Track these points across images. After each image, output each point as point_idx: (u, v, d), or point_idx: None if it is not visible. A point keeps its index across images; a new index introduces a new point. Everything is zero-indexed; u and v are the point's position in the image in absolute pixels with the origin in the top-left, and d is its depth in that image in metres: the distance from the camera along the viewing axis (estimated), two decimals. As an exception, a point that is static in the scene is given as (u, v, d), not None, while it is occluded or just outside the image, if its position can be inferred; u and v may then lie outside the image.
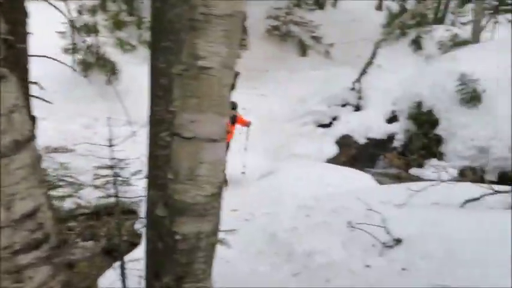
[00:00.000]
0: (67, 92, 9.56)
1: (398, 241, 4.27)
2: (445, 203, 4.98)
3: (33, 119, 2.33)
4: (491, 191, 4.66)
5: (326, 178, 7.88)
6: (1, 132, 1.18)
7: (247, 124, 7.80)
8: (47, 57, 2.74)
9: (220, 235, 3.86)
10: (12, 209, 1.29)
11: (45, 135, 8.56)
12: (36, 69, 3.79)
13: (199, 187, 1.74)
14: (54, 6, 2.89)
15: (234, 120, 7.45)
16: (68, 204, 3.58)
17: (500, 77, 9.09)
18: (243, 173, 7.66)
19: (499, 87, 8.98)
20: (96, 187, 3.12)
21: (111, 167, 2.79)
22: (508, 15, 13.88)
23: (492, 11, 13.26)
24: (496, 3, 13.09)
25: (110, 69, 10.31)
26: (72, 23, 9.79)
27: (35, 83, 2.38)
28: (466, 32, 13.76)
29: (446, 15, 16.20)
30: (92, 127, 9.65)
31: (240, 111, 12.05)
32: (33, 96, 2.30)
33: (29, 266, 1.39)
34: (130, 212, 5.19)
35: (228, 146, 7.03)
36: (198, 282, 1.91)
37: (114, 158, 2.86)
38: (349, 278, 3.78)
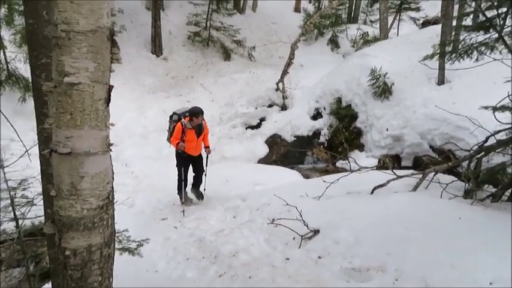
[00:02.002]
0: (-25, 113, 8.86)
1: (315, 232, 4.53)
2: (357, 191, 5.36)
3: None
4: (394, 177, 5.09)
5: (254, 178, 8.07)
6: None
7: (208, 148, 6.85)
8: None
9: (132, 245, 3.86)
10: None
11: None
12: None
13: (83, 201, 1.75)
14: None
15: (200, 129, 6.60)
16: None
17: (406, 69, 9.87)
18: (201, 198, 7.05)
19: (405, 80, 9.74)
20: (-6, 211, 2.97)
21: (8, 189, 2.68)
22: (410, 13, 15.12)
23: (395, 10, 14.38)
24: (398, 2, 14.21)
25: (23, 86, 9.71)
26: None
27: None
28: (376, 30, 14.79)
29: (358, 15, 17.31)
30: (7, 148, 9.02)
31: (167, 119, 12.04)
32: None
33: None
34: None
35: (200, 159, 6.78)
36: (96, 295, 1.92)
37: (12, 180, 2.74)
38: (270, 272, 3.94)
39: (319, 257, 3.98)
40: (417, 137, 8.93)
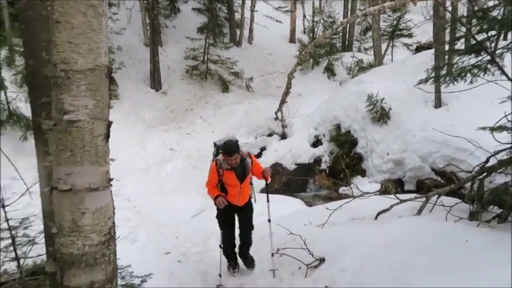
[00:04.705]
0: (-22, 154, 8.93)
1: (321, 260, 4.46)
2: (361, 217, 5.31)
3: None
4: (398, 201, 5.06)
5: (257, 208, 8.00)
6: None
7: (266, 174, 4.88)
8: None
9: (136, 281, 3.79)
10: None
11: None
12: None
13: (85, 237, 1.75)
14: None
15: (245, 170, 4.68)
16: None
17: (402, 94, 9.99)
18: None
19: (403, 104, 9.85)
20: (-5, 252, 2.94)
21: (9, 229, 2.67)
22: (403, 39, 15.45)
23: (388, 37, 14.71)
24: (391, 29, 14.56)
25: (25, 125, 9.83)
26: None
27: None
28: (370, 57, 15.07)
29: (352, 43, 17.68)
30: (10, 187, 9.02)
31: (168, 152, 12.11)
32: None
33: None
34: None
35: (248, 210, 4.98)
36: (98, 333, 1.87)
37: (13, 218, 2.73)
38: (276, 304, 3.86)
39: (326, 287, 3.90)
40: (418, 160, 8.92)
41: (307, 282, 4.11)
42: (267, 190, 5.07)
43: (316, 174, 11.57)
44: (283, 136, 12.33)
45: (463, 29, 4.84)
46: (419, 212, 5.04)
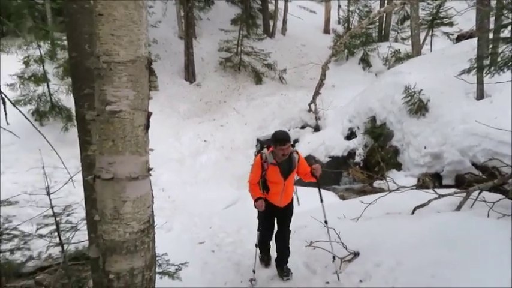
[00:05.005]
0: (24, 143, 9.37)
1: (355, 254, 4.40)
2: (397, 212, 5.19)
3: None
4: (436, 196, 4.90)
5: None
6: None
7: (316, 173, 4.39)
8: None
9: (172, 269, 3.88)
10: None
11: (3, 188, 8.32)
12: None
13: (125, 225, 1.80)
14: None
15: (290, 166, 4.31)
16: (18, 256, 3.50)
17: (442, 85, 9.63)
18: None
19: (442, 95, 9.50)
20: (41, 236, 3.09)
21: (54, 215, 2.79)
22: (443, 28, 14.84)
23: (427, 26, 14.16)
24: (430, 18, 14.00)
25: (66, 116, 10.23)
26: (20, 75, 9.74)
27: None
28: (408, 47, 14.60)
29: (389, 33, 17.18)
30: (50, 176, 9.45)
31: (202, 144, 12.27)
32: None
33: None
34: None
35: (288, 211, 4.62)
36: (138, 318, 1.93)
37: (58, 206, 2.86)
38: (310, 296, 3.85)
39: (360, 281, 3.86)
40: (458, 154, 8.59)
41: (341, 276, 4.07)
42: (319, 189, 4.60)
43: (350, 167, 11.40)
44: (317, 128, 12.21)
45: (510, 16, 4.59)
46: (459, 207, 4.87)
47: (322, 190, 4.71)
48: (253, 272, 4.71)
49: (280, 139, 4.09)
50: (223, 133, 12.06)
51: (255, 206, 4.38)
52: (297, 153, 4.40)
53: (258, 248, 4.79)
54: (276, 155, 4.16)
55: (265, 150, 4.30)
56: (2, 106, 2.56)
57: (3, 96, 2.54)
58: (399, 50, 15.00)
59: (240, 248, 5.82)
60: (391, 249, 4.00)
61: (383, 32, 17.23)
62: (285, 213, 4.59)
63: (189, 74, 14.22)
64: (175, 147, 11.09)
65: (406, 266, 3.65)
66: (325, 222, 4.48)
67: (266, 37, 16.68)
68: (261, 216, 4.58)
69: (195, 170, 10.50)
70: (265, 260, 5.00)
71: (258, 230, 4.67)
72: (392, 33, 17.53)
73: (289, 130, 12.04)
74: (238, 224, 6.90)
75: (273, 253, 4.87)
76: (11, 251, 3.49)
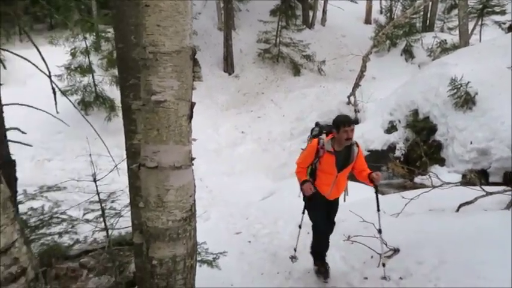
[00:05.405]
0: (70, 132, 9.81)
1: (395, 251, 4.29)
2: (440, 209, 5.01)
3: (12, 163, 2.46)
4: (483, 193, 4.68)
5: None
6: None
7: (376, 182, 3.96)
8: (20, 104, 2.88)
9: (210, 258, 3.94)
10: (-15, 247, 1.40)
11: (52, 174, 8.77)
12: (37, 114, 4.01)
13: (169, 213, 1.83)
14: (40, 53, 3.06)
15: (349, 157, 3.92)
16: (65, 239, 3.69)
17: (491, 77, 9.15)
18: None
19: (492, 88, 9.02)
20: (88, 221, 3.23)
21: (99, 201, 2.90)
22: (494, 17, 14.04)
23: (477, 15, 13.45)
24: (480, 6, 13.28)
25: (109, 106, 10.60)
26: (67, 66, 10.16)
27: (15, 128, 2.52)
28: (455, 37, 13.95)
29: (434, 22, 16.47)
30: (95, 163, 9.86)
31: (239, 135, 12.35)
32: (11, 141, 2.43)
33: (7, 299, 1.49)
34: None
35: (336, 205, 4.30)
36: (179, 304, 1.98)
37: (102, 192, 2.97)
38: (347, 291, 3.80)
39: (401, 278, 3.76)
40: (507, 150, 8.17)
41: (380, 272, 3.98)
42: (377, 197, 4.16)
43: (390, 162, 11.11)
44: (356, 121, 11.97)
45: None
46: (509, 206, 4.62)
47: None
48: (295, 250, 4.68)
49: (344, 120, 3.75)
50: (260, 125, 12.08)
51: (302, 190, 4.02)
52: (358, 145, 3.99)
53: (311, 253, 4.43)
54: (337, 141, 3.78)
55: (323, 136, 3.89)
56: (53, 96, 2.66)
57: (53, 86, 2.65)
58: (445, 40, 14.36)
59: (276, 239, 5.83)
60: (433, 246, 3.87)
61: (428, 21, 16.53)
62: (332, 205, 4.25)
63: (228, 66, 14.31)
64: (213, 138, 11.23)
65: (449, 265, 3.52)
66: (379, 231, 4.07)
67: (305, 28, 16.46)
68: (310, 207, 4.23)
69: (232, 161, 10.60)
70: (322, 271, 4.31)
71: (314, 229, 4.31)
72: (438, 23, 16.80)
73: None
74: (275, 216, 6.90)
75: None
76: (60, 234, 3.68)
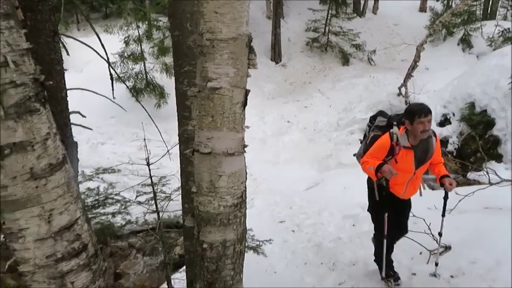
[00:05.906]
0: (122, 117, 10.22)
1: (446, 248, 4.14)
2: (497, 207, 4.75)
3: (75, 144, 2.60)
4: (547, 192, 4.38)
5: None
6: (38, 157, 1.39)
7: (448, 189, 3.60)
8: (83, 89, 3.03)
9: (255, 244, 3.98)
10: (51, 223, 1.49)
11: (105, 157, 9.22)
12: (91, 99, 4.22)
13: (220, 198, 1.86)
14: (100, 40, 3.19)
15: (427, 151, 3.45)
16: (118, 219, 3.89)
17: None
18: None
19: (559, 81, 8.38)
20: (140, 203, 3.37)
21: (151, 185, 3.01)
22: None
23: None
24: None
25: (159, 93, 10.93)
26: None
27: (77, 112, 2.66)
28: (520, 26, 13.03)
29: (497, 10, 15.43)
30: (145, 148, 10.25)
31: (285, 124, 12.30)
32: (74, 124, 2.57)
33: (70, 272, 1.60)
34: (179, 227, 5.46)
35: (408, 206, 3.89)
36: (228, 288, 2.02)
37: (153, 176, 3.07)
38: (394, 286, 3.71)
39: (452, 276, 3.62)
40: None
41: (429, 269, 3.86)
42: (445, 203, 3.78)
43: (442, 156, 10.63)
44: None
45: None
46: None
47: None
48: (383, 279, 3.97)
49: (420, 109, 3.19)
50: (306, 114, 11.95)
51: (383, 174, 3.29)
52: (435, 135, 3.50)
53: (375, 260, 4.06)
54: (412, 134, 3.27)
55: (395, 130, 3.33)
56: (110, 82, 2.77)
57: (111, 72, 2.75)
58: (508, 29, 13.40)
59: (320, 230, 5.80)
60: (489, 246, 3.68)
61: (489, 9, 15.50)
62: (406, 206, 3.82)
63: (275, 54, 14.24)
64: (259, 127, 11.27)
65: (507, 267, 3.34)
66: (439, 234, 3.79)
67: (356, 16, 15.97)
68: (374, 205, 3.77)
69: (277, 150, 10.59)
70: (392, 275, 3.92)
71: (377, 231, 3.88)
72: (501, 10, 15.71)
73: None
74: (319, 206, 6.85)
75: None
76: (113, 214, 3.87)
